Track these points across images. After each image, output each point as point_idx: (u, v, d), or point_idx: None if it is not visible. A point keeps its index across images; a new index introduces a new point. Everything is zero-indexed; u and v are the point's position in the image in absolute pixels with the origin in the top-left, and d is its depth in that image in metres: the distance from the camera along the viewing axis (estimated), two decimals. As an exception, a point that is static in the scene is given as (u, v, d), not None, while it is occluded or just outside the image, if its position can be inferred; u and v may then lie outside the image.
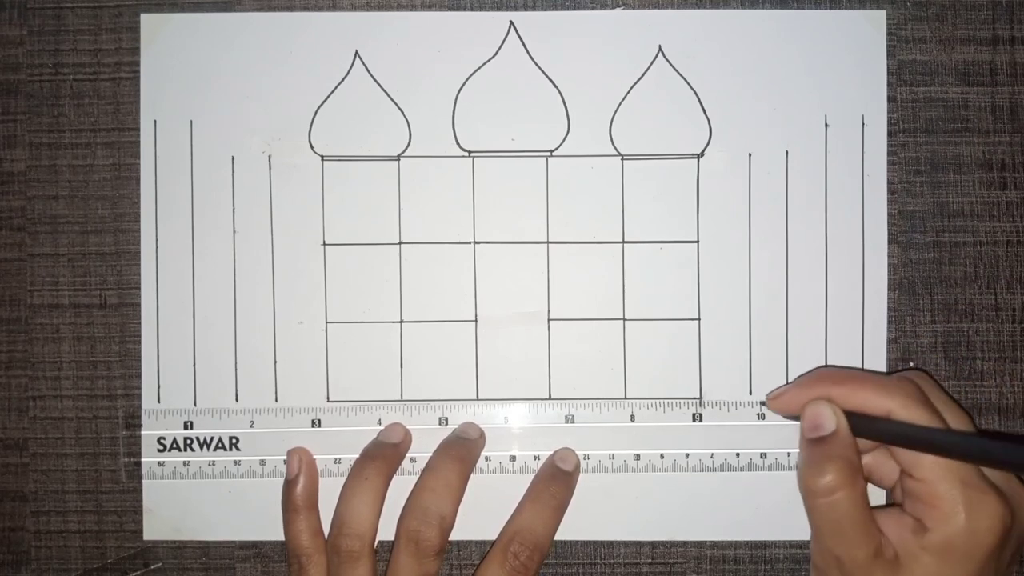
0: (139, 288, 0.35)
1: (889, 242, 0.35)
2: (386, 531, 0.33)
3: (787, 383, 0.34)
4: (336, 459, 0.35)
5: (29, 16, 0.36)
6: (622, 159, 0.35)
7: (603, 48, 0.35)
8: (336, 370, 0.35)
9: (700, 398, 0.35)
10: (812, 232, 0.35)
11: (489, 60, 0.35)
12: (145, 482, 0.35)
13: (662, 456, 0.35)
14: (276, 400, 0.35)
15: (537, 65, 0.35)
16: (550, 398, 0.35)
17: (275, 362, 0.35)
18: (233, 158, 0.36)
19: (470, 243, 0.35)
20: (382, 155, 0.36)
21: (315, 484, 0.34)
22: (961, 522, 0.28)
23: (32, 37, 0.36)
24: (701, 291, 0.35)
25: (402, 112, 0.35)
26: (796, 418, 0.31)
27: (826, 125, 0.35)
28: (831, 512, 0.29)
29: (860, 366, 0.35)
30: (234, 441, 0.35)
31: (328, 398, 0.35)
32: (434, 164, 0.36)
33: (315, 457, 0.35)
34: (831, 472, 0.29)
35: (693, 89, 0.35)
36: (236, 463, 0.35)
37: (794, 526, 0.35)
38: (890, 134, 0.35)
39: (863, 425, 0.30)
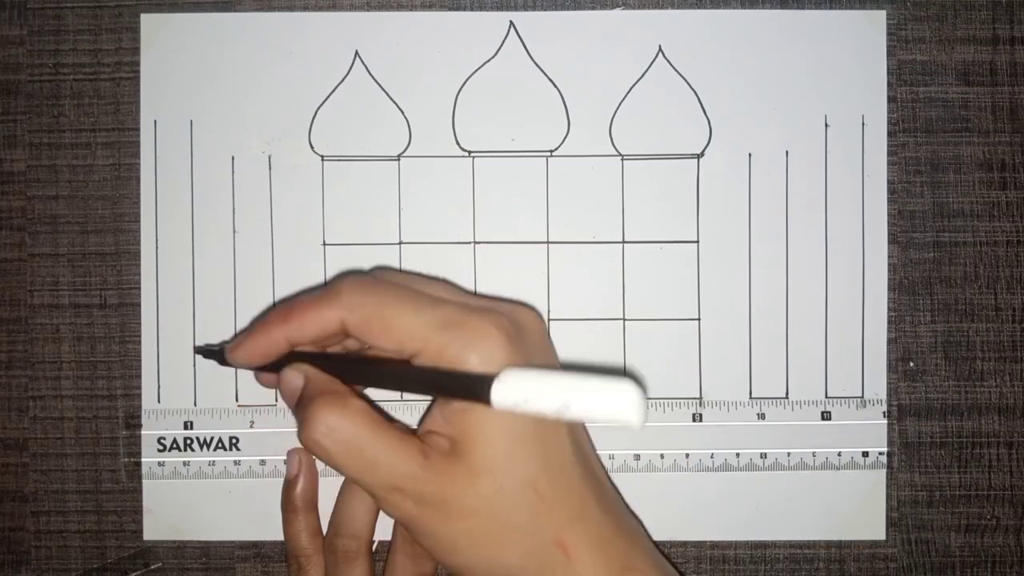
0: (139, 288, 0.35)
1: (889, 242, 0.35)
2: (384, 531, 0.33)
3: (243, 331, 0.30)
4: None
5: (29, 16, 0.36)
6: (622, 159, 0.35)
7: (603, 48, 0.35)
8: (336, 370, 0.35)
9: (700, 398, 0.35)
10: (812, 232, 0.35)
11: (489, 60, 0.35)
12: (145, 482, 0.35)
13: (662, 456, 0.35)
14: (276, 400, 0.35)
15: (537, 65, 0.35)
16: (550, 398, 0.35)
17: (275, 362, 0.35)
18: (233, 158, 0.36)
19: (470, 243, 0.35)
20: (382, 155, 0.36)
21: (315, 485, 0.34)
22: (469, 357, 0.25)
23: (32, 37, 0.36)
24: (701, 291, 0.35)
25: (402, 112, 0.35)
26: (264, 368, 0.29)
27: (826, 125, 0.35)
28: (348, 447, 0.26)
29: (860, 366, 0.35)
30: (234, 441, 0.35)
31: (328, 398, 0.35)
32: (434, 164, 0.36)
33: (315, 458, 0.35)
34: (317, 412, 0.26)
35: (693, 89, 0.35)
36: (236, 463, 0.35)
37: (794, 526, 0.35)
38: (890, 134, 0.35)
39: (328, 368, 0.28)
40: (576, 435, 0.28)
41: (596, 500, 0.27)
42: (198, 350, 0.35)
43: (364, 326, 0.27)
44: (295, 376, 0.28)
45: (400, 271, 0.30)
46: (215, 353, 0.33)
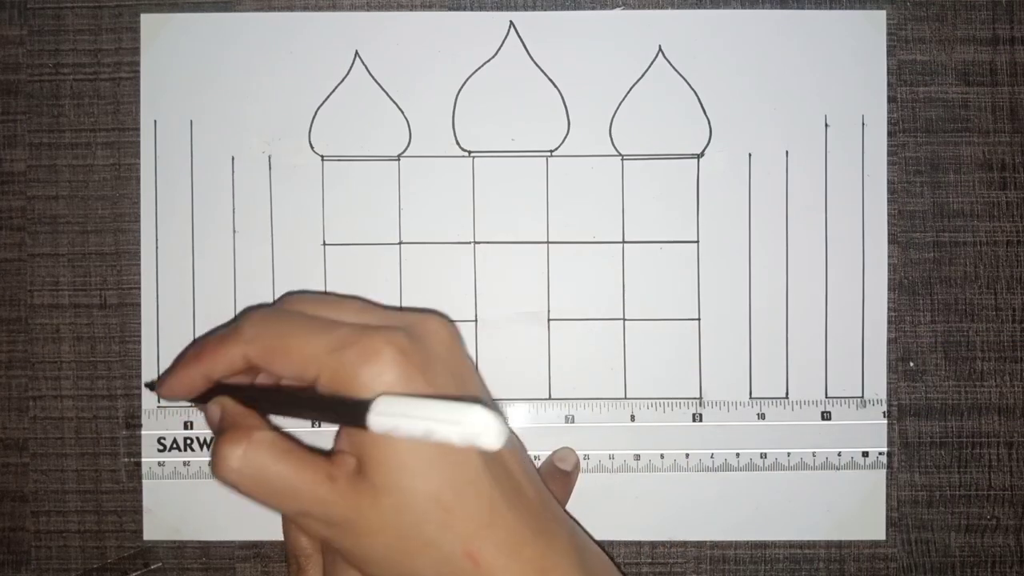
0: (139, 288, 0.35)
1: (889, 242, 0.35)
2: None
3: (171, 366, 0.30)
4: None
5: (29, 16, 0.36)
6: (622, 159, 0.36)
7: (603, 48, 0.35)
8: (336, 370, 0.35)
9: (700, 398, 0.35)
10: (812, 232, 0.35)
11: (489, 60, 0.35)
12: (145, 482, 0.35)
13: (662, 456, 0.35)
14: (276, 400, 0.35)
15: (537, 65, 0.35)
16: (550, 398, 0.35)
17: (275, 362, 0.35)
18: (233, 158, 0.36)
19: (470, 243, 0.35)
20: (382, 155, 0.36)
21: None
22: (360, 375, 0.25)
23: (32, 37, 0.36)
24: (701, 291, 0.35)
25: (402, 112, 0.35)
26: (195, 401, 0.30)
27: (826, 125, 0.35)
28: (254, 480, 0.26)
29: (860, 366, 0.35)
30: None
31: (328, 398, 0.35)
32: (434, 164, 0.36)
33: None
34: (221, 448, 0.26)
35: (693, 89, 0.35)
36: (236, 463, 0.35)
37: (794, 526, 0.35)
38: (890, 134, 0.35)
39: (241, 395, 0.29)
40: None
41: (509, 506, 0.26)
42: (147, 384, 0.35)
43: (265, 358, 0.27)
44: (214, 410, 0.29)
45: (310, 295, 0.30)
46: (154, 387, 0.33)
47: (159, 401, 0.35)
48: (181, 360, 0.29)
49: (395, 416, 0.23)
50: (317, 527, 0.27)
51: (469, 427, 0.22)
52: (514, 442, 0.29)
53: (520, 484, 0.28)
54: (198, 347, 0.29)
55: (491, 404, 0.28)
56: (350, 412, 0.25)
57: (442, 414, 0.23)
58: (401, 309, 0.29)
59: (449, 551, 0.26)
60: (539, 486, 0.29)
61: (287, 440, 0.27)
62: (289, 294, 0.30)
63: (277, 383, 0.29)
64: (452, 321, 0.28)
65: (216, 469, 0.27)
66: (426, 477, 0.26)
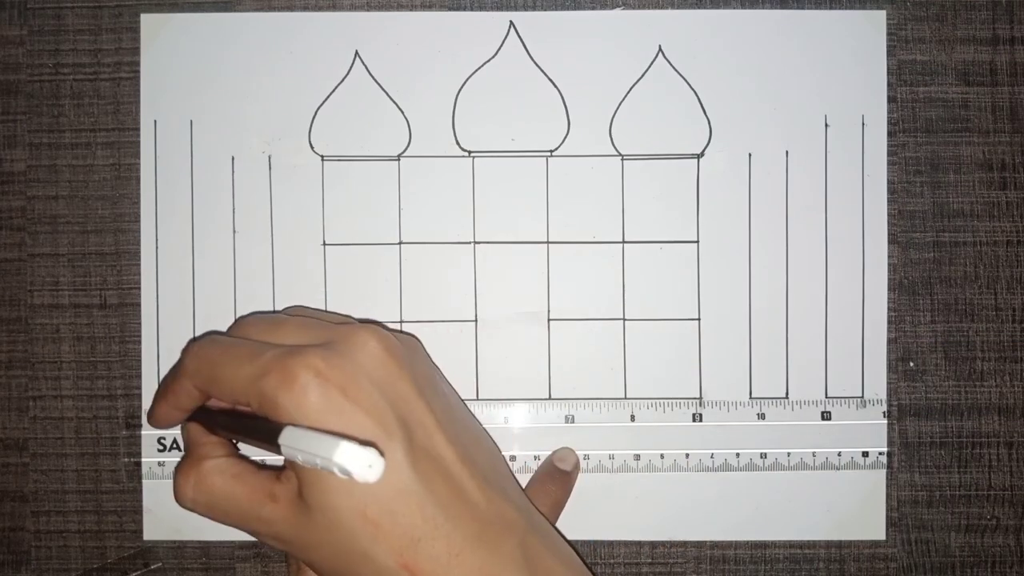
0: (139, 288, 0.35)
1: (889, 242, 0.35)
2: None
3: (155, 401, 0.31)
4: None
5: (29, 16, 0.36)
6: (622, 159, 0.36)
7: (603, 48, 0.35)
8: (336, 370, 0.35)
9: (700, 398, 0.35)
10: (812, 232, 0.35)
11: (489, 60, 0.35)
12: (145, 482, 0.35)
13: (662, 456, 0.35)
14: (276, 400, 0.35)
15: (537, 65, 0.35)
16: (550, 398, 0.35)
17: (275, 362, 0.35)
18: (233, 158, 0.36)
19: (470, 243, 0.35)
20: (382, 155, 0.36)
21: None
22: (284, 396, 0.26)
23: (32, 37, 0.36)
24: (701, 291, 0.35)
25: (402, 112, 0.35)
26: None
27: (826, 125, 0.35)
28: (207, 506, 0.28)
29: (860, 366, 0.35)
30: (234, 442, 0.35)
31: (328, 398, 0.35)
32: (434, 164, 0.36)
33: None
34: (176, 479, 0.28)
35: (693, 89, 0.35)
36: (236, 463, 0.35)
37: (794, 526, 0.35)
38: (890, 134, 0.35)
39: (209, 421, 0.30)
40: (430, 450, 0.27)
41: (446, 515, 0.26)
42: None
43: (206, 388, 0.28)
44: (185, 436, 0.31)
45: (258, 317, 0.30)
46: None
47: (159, 401, 0.35)
48: (154, 397, 0.31)
49: (294, 449, 0.24)
50: (272, 543, 0.28)
51: (339, 462, 0.23)
52: (469, 444, 0.29)
53: (463, 488, 0.27)
54: (160, 386, 0.30)
55: (443, 414, 0.28)
56: (271, 439, 0.25)
57: (320, 449, 0.23)
58: (340, 323, 0.29)
59: (384, 563, 0.26)
60: (493, 488, 0.28)
61: (238, 464, 0.28)
62: (241, 318, 0.30)
63: (233, 408, 0.30)
64: (392, 331, 0.28)
65: (177, 500, 0.29)
66: (350, 494, 0.26)
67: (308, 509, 0.26)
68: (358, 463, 0.23)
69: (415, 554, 0.26)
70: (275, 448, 0.25)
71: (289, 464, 0.27)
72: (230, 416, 0.29)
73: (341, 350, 0.27)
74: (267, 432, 0.26)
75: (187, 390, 0.29)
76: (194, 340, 0.31)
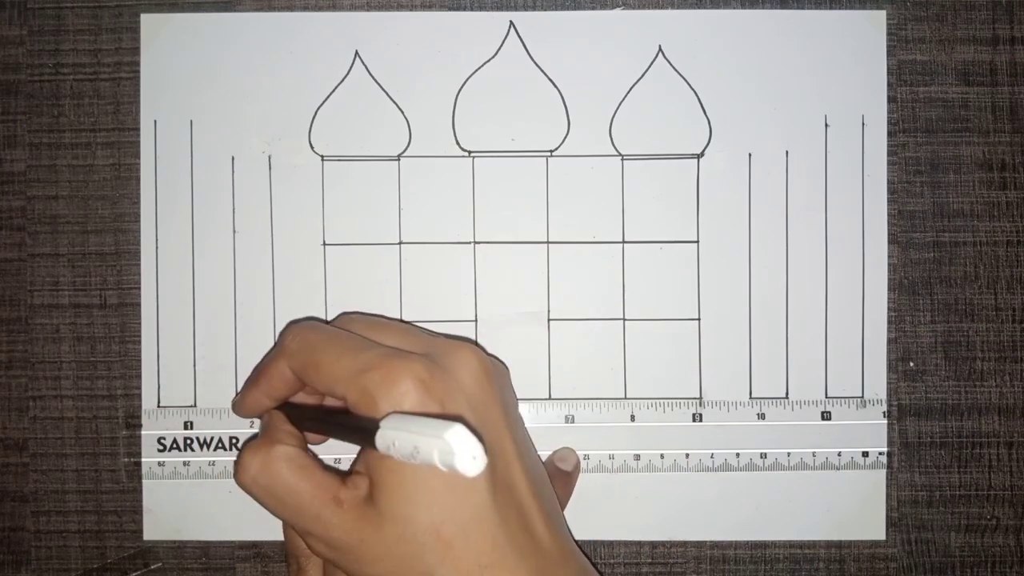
0: (139, 288, 0.35)
1: (889, 242, 0.35)
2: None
3: (246, 386, 0.31)
4: (336, 459, 0.35)
5: (29, 16, 0.36)
6: (622, 159, 0.36)
7: (603, 48, 0.35)
8: (336, 370, 0.35)
9: (700, 398, 0.35)
10: (812, 232, 0.35)
11: (489, 60, 0.35)
12: (145, 482, 0.35)
13: (662, 456, 0.35)
14: (276, 400, 0.35)
15: (537, 65, 0.35)
16: (550, 398, 0.35)
17: (275, 362, 0.35)
18: (233, 158, 0.36)
19: (470, 243, 0.35)
20: (382, 155, 0.36)
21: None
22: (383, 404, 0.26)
23: (32, 37, 0.36)
24: (701, 291, 0.35)
25: (402, 112, 0.35)
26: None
27: (826, 125, 0.35)
28: (268, 491, 0.27)
29: (860, 366, 0.35)
30: (234, 441, 0.35)
31: (328, 398, 0.35)
32: (434, 164, 0.36)
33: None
34: (242, 457, 0.28)
35: (693, 89, 0.35)
36: (236, 463, 0.35)
37: (794, 526, 0.35)
38: (890, 134, 0.35)
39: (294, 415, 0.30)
40: (508, 478, 0.27)
41: (515, 548, 0.26)
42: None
43: (303, 371, 0.28)
44: (265, 419, 0.30)
45: (363, 316, 0.30)
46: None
47: (159, 401, 0.35)
48: (245, 383, 0.31)
49: (396, 432, 0.24)
50: (320, 548, 0.27)
51: (446, 445, 0.22)
52: (537, 479, 0.29)
53: (531, 525, 0.27)
54: (254, 370, 0.30)
55: (521, 445, 0.28)
56: (364, 431, 0.25)
57: (426, 430, 0.23)
58: (440, 336, 0.30)
59: None
60: (557, 528, 0.28)
61: (308, 458, 0.28)
62: (344, 315, 0.31)
63: (321, 402, 0.30)
64: (484, 352, 0.29)
65: (235, 474, 0.28)
66: (429, 509, 0.26)
67: (378, 518, 0.26)
68: (466, 450, 0.22)
69: None
70: (366, 440, 0.25)
71: (365, 467, 0.27)
72: (317, 411, 0.29)
73: (443, 363, 0.27)
74: (360, 427, 0.25)
75: (282, 374, 0.29)
76: (294, 322, 0.31)
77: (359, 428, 0.26)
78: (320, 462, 0.28)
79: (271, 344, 0.35)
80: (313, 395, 0.31)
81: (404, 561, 0.26)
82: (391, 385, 0.26)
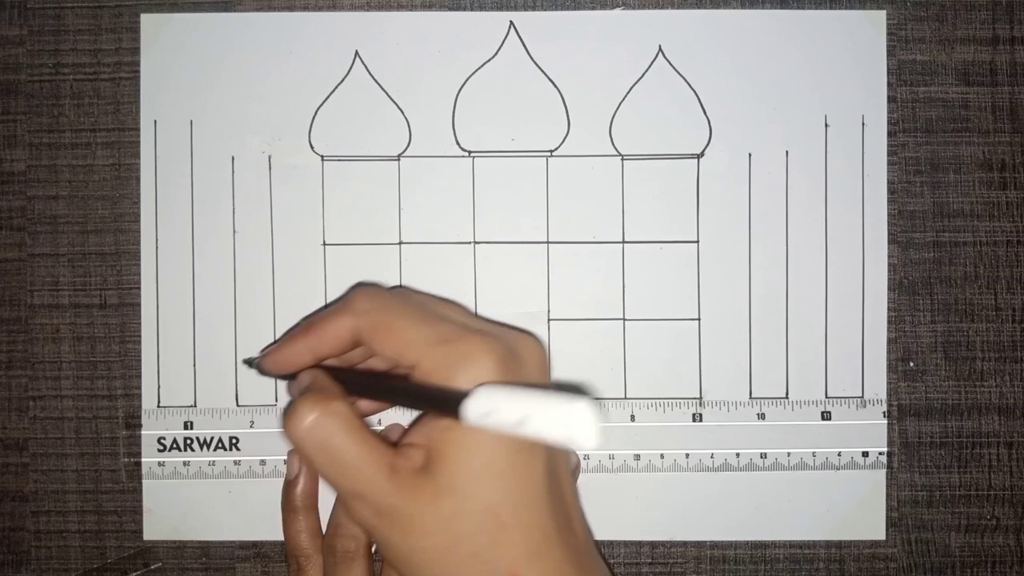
0: (139, 288, 0.35)
1: (889, 242, 0.35)
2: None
3: (276, 341, 0.31)
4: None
5: (29, 16, 0.36)
6: (622, 159, 0.36)
7: (603, 48, 0.35)
8: (336, 370, 0.35)
9: (700, 398, 0.35)
10: (812, 232, 0.35)
11: (489, 60, 0.35)
12: (145, 482, 0.35)
13: (662, 456, 0.35)
14: (276, 400, 0.35)
15: (537, 65, 0.35)
16: (550, 398, 0.35)
17: (275, 362, 0.35)
18: (233, 158, 0.36)
19: (470, 243, 0.35)
20: (382, 155, 0.36)
21: (315, 485, 0.34)
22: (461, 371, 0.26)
23: (32, 37, 0.36)
24: (701, 291, 0.35)
25: (402, 112, 0.35)
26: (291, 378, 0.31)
27: (826, 125, 0.35)
28: (320, 445, 0.26)
29: (860, 366, 0.35)
30: (234, 441, 0.35)
31: (328, 398, 0.35)
32: (434, 164, 0.36)
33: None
34: (298, 407, 0.26)
35: (693, 89, 0.35)
36: (236, 463, 0.35)
37: (794, 526, 0.35)
38: (890, 134, 0.35)
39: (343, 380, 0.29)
40: (556, 472, 0.28)
41: (561, 540, 0.27)
42: (244, 361, 0.35)
43: (371, 332, 0.28)
44: (305, 376, 0.29)
45: (416, 291, 0.31)
46: (254, 363, 0.33)
47: (159, 401, 0.35)
48: (288, 334, 0.30)
49: (493, 400, 0.23)
50: (366, 514, 0.27)
51: (570, 420, 0.22)
52: (573, 478, 0.29)
53: (572, 519, 0.28)
54: (307, 321, 0.29)
55: None
56: (444, 401, 0.25)
57: (545, 403, 0.22)
58: (499, 324, 0.30)
59: (494, 568, 0.26)
60: (586, 526, 0.29)
61: (362, 421, 0.27)
62: (400, 286, 0.30)
63: (370, 371, 0.30)
64: (543, 345, 0.29)
65: (287, 426, 0.27)
66: (490, 488, 0.25)
67: (435, 490, 0.26)
68: (592, 426, 0.22)
69: (528, 567, 0.26)
70: (442, 409, 0.24)
71: (424, 438, 0.27)
72: (369, 376, 0.29)
73: (514, 348, 0.27)
74: (437, 394, 0.25)
75: (338, 331, 0.28)
76: (361, 284, 0.30)
77: (437, 396, 0.25)
78: (374, 431, 0.27)
79: (271, 344, 0.35)
80: (344, 363, 0.30)
81: (455, 537, 0.26)
82: (472, 359, 0.26)
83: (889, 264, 0.35)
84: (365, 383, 0.29)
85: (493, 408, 0.23)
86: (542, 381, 0.28)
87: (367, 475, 0.26)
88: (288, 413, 0.27)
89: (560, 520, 0.27)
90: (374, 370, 0.30)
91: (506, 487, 0.26)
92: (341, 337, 0.28)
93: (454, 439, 0.26)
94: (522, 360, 0.27)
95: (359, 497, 0.26)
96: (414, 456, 0.26)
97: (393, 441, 0.28)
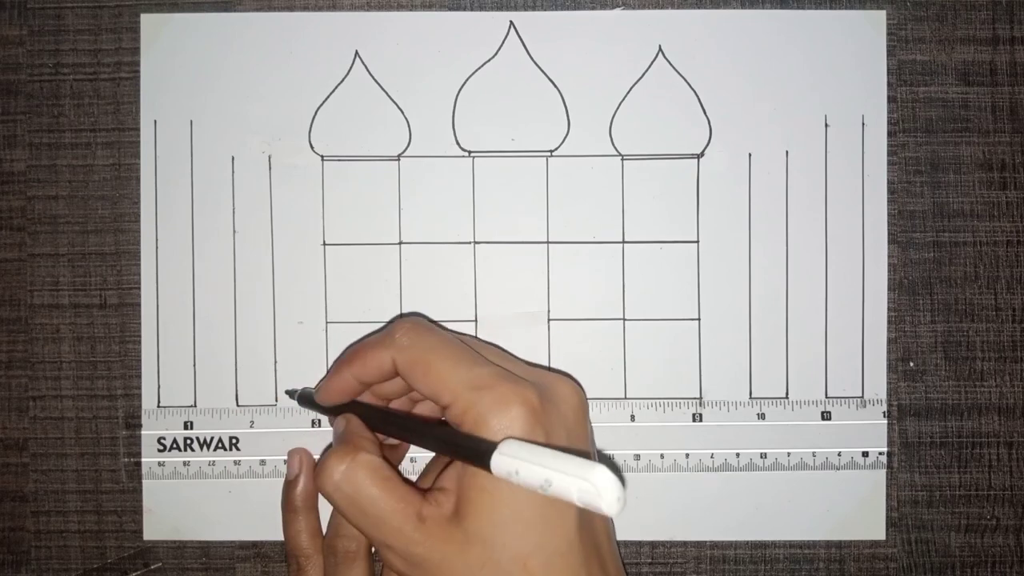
0: (139, 288, 0.35)
1: (889, 242, 0.35)
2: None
3: (328, 373, 0.32)
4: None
5: (29, 16, 0.36)
6: (622, 159, 0.36)
7: (603, 48, 0.35)
8: (336, 370, 0.35)
9: (700, 398, 0.35)
10: (812, 232, 0.35)
11: (489, 60, 0.35)
12: (145, 482, 0.35)
13: (662, 456, 0.35)
14: (276, 400, 0.35)
15: (537, 65, 0.35)
16: (550, 398, 0.35)
17: (275, 362, 0.35)
18: (233, 158, 0.36)
19: (470, 243, 0.35)
20: (382, 155, 0.36)
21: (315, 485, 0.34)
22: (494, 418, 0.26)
23: (32, 37, 0.36)
24: (701, 291, 0.35)
25: (402, 112, 0.35)
26: (335, 413, 0.31)
27: (826, 125, 0.35)
28: (350, 499, 0.27)
29: (860, 366, 0.35)
30: (234, 441, 0.35)
31: (328, 398, 0.35)
32: (434, 164, 0.36)
33: (315, 458, 0.35)
34: (328, 462, 0.27)
35: (693, 89, 0.35)
36: (236, 463, 0.35)
37: (794, 526, 0.35)
38: (890, 134, 0.35)
39: (371, 419, 0.30)
40: (589, 518, 0.28)
41: None
42: (287, 392, 0.35)
43: (409, 367, 0.28)
44: (340, 422, 0.30)
45: (463, 334, 0.31)
46: (304, 399, 0.34)
47: (159, 401, 0.35)
48: (336, 364, 0.31)
49: (519, 459, 0.23)
50: (397, 563, 0.27)
51: (592, 486, 0.22)
52: (610, 522, 0.29)
53: (606, 562, 0.28)
54: (351, 350, 0.30)
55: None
56: (475, 449, 0.25)
57: (567, 467, 0.22)
58: (538, 367, 0.30)
59: None
60: (619, 565, 0.29)
61: (391, 470, 0.28)
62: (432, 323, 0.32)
63: (410, 411, 0.31)
64: (582, 388, 0.29)
65: (318, 480, 0.28)
66: (520, 537, 0.26)
67: (464, 538, 0.26)
68: (613, 491, 0.22)
69: None
70: (472, 459, 0.24)
71: (454, 484, 0.27)
72: (409, 418, 0.29)
73: (550, 395, 0.27)
74: (469, 445, 0.25)
75: (380, 363, 0.29)
76: (402, 316, 0.31)
77: (467, 444, 0.25)
78: (400, 474, 0.28)
79: (271, 344, 0.35)
80: (379, 399, 0.31)
81: None
82: (504, 408, 0.26)
83: (889, 264, 0.35)
84: (400, 424, 0.30)
85: (517, 467, 0.23)
86: (578, 427, 0.28)
87: (395, 526, 0.26)
88: (319, 465, 0.28)
89: (593, 567, 0.27)
90: (410, 413, 0.31)
91: (536, 536, 0.26)
92: (382, 368, 0.29)
93: (483, 487, 0.26)
94: (557, 406, 0.27)
95: (388, 547, 0.27)
96: (444, 502, 0.27)
97: (426, 486, 0.29)
